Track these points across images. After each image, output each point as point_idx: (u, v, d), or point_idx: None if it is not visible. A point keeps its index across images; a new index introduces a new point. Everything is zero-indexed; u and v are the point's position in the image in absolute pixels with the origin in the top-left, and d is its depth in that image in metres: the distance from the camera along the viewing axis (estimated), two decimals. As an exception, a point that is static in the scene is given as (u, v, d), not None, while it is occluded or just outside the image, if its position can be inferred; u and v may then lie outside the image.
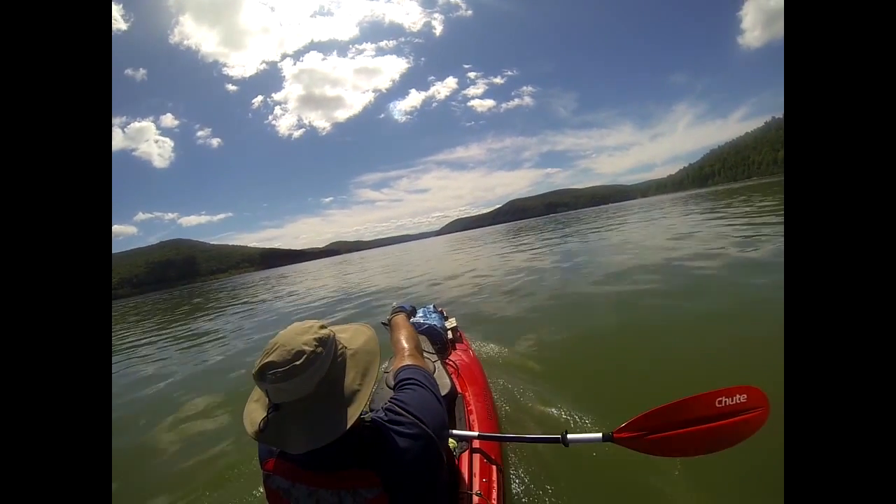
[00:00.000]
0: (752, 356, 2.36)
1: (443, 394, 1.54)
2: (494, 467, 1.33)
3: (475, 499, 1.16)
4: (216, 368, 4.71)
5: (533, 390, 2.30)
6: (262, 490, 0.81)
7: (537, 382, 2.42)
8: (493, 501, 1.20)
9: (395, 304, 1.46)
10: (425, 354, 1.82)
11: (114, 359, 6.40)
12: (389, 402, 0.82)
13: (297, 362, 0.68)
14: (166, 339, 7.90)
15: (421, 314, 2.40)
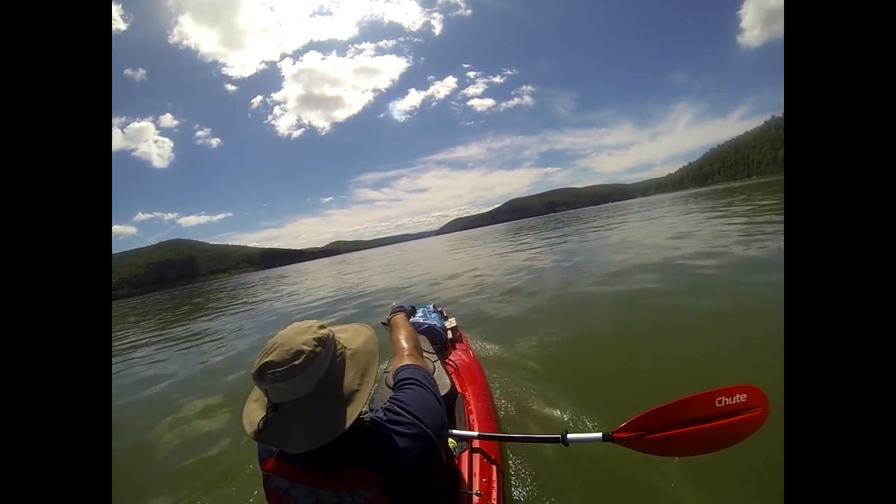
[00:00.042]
0: (753, 355, 2.36)
1: (442, 394, 1.54)
2: (494, 467, 1.33)
3: (475, 499, 1.16)
4: (216, 369, 4.71)
5: (533, 390, 2.31)
6: (261, 490, 0.80)
7: (537, 382, 2.42)
8: (492, 501, 1.20)
9: (394, 303, 1.46)
10: (425, 354, 1.82)
11: (114, 360, 6.39)
12: (389, 401, 0.82)
13: (296, 362, 0.68)
14: (166, 339, 7.90)
15: (420, 314, 2.40)
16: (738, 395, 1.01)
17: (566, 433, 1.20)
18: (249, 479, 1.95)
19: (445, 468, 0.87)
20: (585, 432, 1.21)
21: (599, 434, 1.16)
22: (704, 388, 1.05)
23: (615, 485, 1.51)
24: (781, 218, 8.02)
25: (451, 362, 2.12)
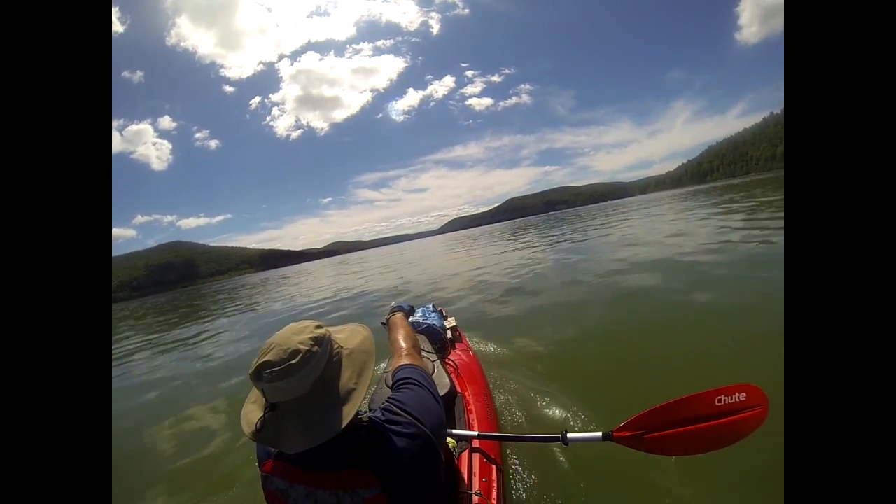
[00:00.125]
0: (753, 354, 2.36)
1: (442, 393, 1.54)
2: (494, 467, 1.34)
3: (475, 498, 1.17)
4: (216, 371, 4.71)
5: (533, 389, 2.31)
6: (260, 491, 0.80)
7: (537, 381, 2.42)
8: (492, 501, 1.20)
9: (393, 303, 1.47)
10: (424, 354, 1.82)
11: (114, 362, 6.39)
12: (387, 401, 0.82)
13: (293, 361, 0.68)
14: (166, 342, 7.90)
15: (420, 314, 2.40)
16: (737, 394, 1.01)
17: (566, 432, 1.20)
18: (249, 479, 1.96)
19: (444, 468, 0.87)
20: (585, 431, 1.21)
21: (599, 433, 1.16)
22: (704, 386, 1.05)
23: (615, 484, 1.52)
24: (781, 214, 8.02)
25: (450, 362, 2.12)
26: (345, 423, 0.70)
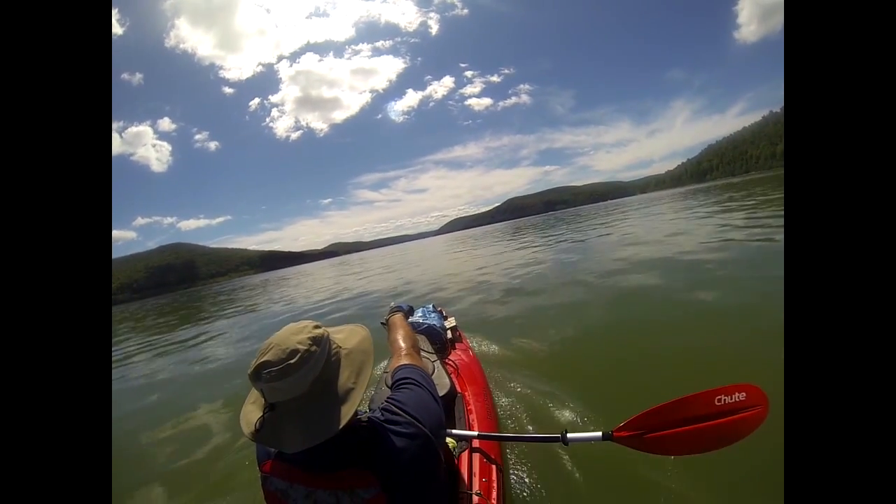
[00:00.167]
0: (754, 353, 2.36)
1: (442, 393, 1.54)
2: (494, 467, 1.34)
3: (475, 498, 1.17)
4: (215, 372, 4.72)
5: (533, 389, 2.31)
6: (260, 492, 0.81)
7: (537, 381, 2.42)
8: (492, 501, 1.20)
9: (392, 303, 1.47)
10: (424, 354, 1.82)
11: (114, 364, 6.39)
12: (386, 401, 0.82)
13: (292, 361, 0.68)
14: (166, 343, 7.90)
15: (420, 314, 2.40)
16: (737, 394, 1.01)
17: (566, 432, 1.20)
18: (249, 480, 1.96)
19: (444, 467, 0.87)
20: (585, 431, 1.21)
21: (599, 433, 1.16)
22: (705, 386, 1.05)
23: (615, 484, 1.52)
24: (782, 213, 8.02)
25: (450, 362, 2.12)
26: (343, 422, 0.70)
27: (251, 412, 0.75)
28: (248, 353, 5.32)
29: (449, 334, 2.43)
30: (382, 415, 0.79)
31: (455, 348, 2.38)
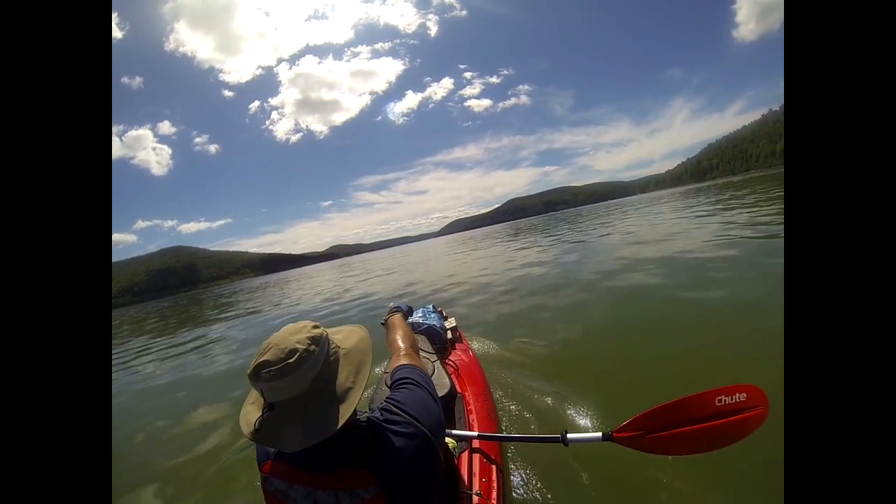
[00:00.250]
0: (754, 353, 2.36)
1: (442, 394, 1.54)
2: (494, 467, 1.34)
3: (475, 499, 1.17)
4: (215, 374, 4.72)
5: (533, 390, 2.31)
6: (260, 493, 0.81)
7: (537, 382, 2.42)
8: (492, 501, 1.21)
9: (391, 304, 1.47)
10: (424, 354, 1.83)
11: (114, 366, 6.40)
12: (385, 401, 0.82)
13: (290, 360, 0.69)
14: (166, 346, 7.90)
15: (420, 314, 2.40)
16: (737, 395, 1.01)
17: (566, 433, 1.20)
18: (249, 481, 1.96)
19: (443, 467, 0.87)
20: (585, 432, 1.21)
21: (599, 434, 1.16)
22: (706, 385, 1.05)
23: (615, 484, 1.51)
24: (782, 211, 8.01)
25: (450, 362, 2.12)
26: (342, 421, 0.70)
27: (251, 412, 0.75)
28: (248, 354, 5.32)
29: (449, 334, 2.43)
30: (382, 415, 0.79)
31: (455, 348, 2.38)
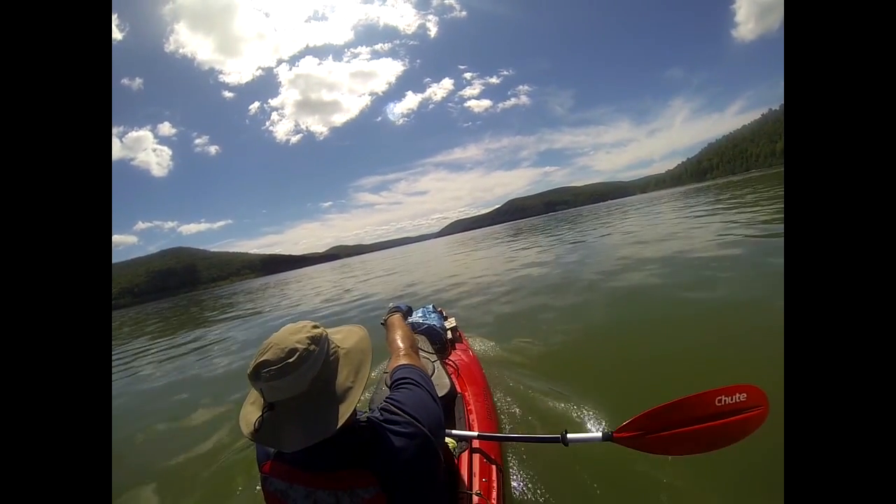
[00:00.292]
0: (755, 352, 2.36)
1: (442, 394, 1.54)
2: (494, 467, 1.34)
3: (475, 499, 1.17)
4: (215, 375, 4.72)
5: (533, 390, 2.31)
6: (261, 493, 0.81)
7: (537, 382, 2.42)
8: (492, 501, 1.21)
9: (391, 304, 1.47)
10: (424, 354, 1.83)
11: (114, 367, 6.41)
12: (385, 401, 0.82)
13: (290, 360, 0.69)
14: (166, 347, 7.91)
15: (420, 314, 2.40)
16: (737, 395, 1.01)
17: (566, 433, 1.20)
18: (249, 481, 1.96)
19: (443, 467, 0.87)
20: (585, 432, 1.21)
21: (599, 434, 1.16)
22: (706, 385, 1.05)
23: (615, 484, 1.51)
24: (782, 210, 8.01)
25: (450, 362, 2.12)
26: (342, 420, 0.71)
27: (250, 412, 0.76)
28: (247, 356, 5.32)
29: (449, 334, 2.43)
30: (381, 415, 0.79)
31: (455, 348, 2.38)
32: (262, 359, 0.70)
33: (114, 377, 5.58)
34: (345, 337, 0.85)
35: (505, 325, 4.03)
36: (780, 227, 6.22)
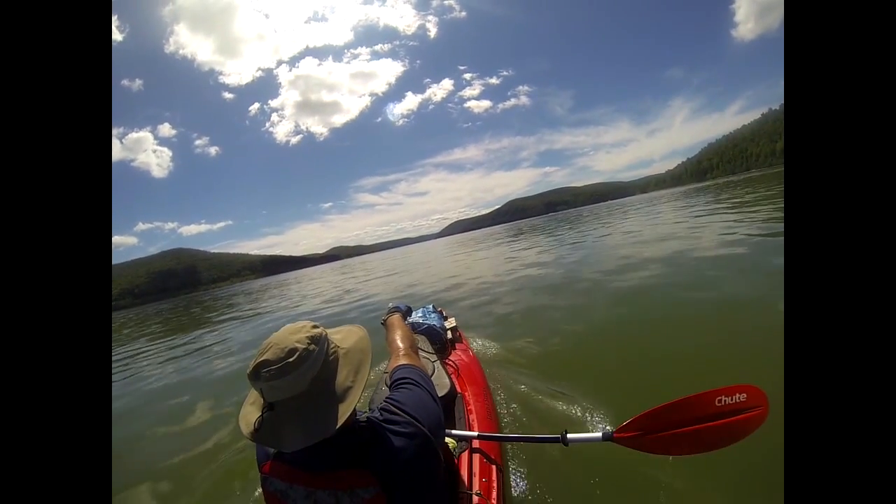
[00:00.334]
0: (755, 352, 2.36)
1: (442, 394, 1.54)
2: (494, 467, 1.34)
3: (475, 499, 1.17)
4: (215, 375, 4.72)
5: (533, 390, 2.31)
6: (261, 493, 0.81)
7: (537, 382, 2.42)
8: (492, 501, 1.21)
9: (391, 304, 1.47)
10: (424, 354, 1.83)
11: (114, 368, 6.41)
12: (385, 401, 0.82)
13: (290, 360, 0.69)
14: (166, 348, 7.91)
15: (420, 314, 2.40)
16: (737, 395, 1.01)
17: (566, 433, 1.20)
18: (249, 481, 1.96)
19: (443, 467, 0.87)
20: (585, 432, 1.21)
21: (599, 434, 1.16)
22: (706, 385, 1.05)
23: (615, 484, 1.51)
24: (782, 209, 8.00)
25: (450, 362, 2.12)
26: (342, 420, 0.71)
27: (250, 412, 0.76)
28: (247, 357, 5.32)
29: (449, 334, 2.43)
30: (381, 415, 0.79)
31: (455, 348, 2.38)
32: (261, 358, 0.70)
33: (114, 378, 5.59)
34: (344, 337, 0.85)
35: (505, 325, 4.03)
36: (781, 227, 6.22)
